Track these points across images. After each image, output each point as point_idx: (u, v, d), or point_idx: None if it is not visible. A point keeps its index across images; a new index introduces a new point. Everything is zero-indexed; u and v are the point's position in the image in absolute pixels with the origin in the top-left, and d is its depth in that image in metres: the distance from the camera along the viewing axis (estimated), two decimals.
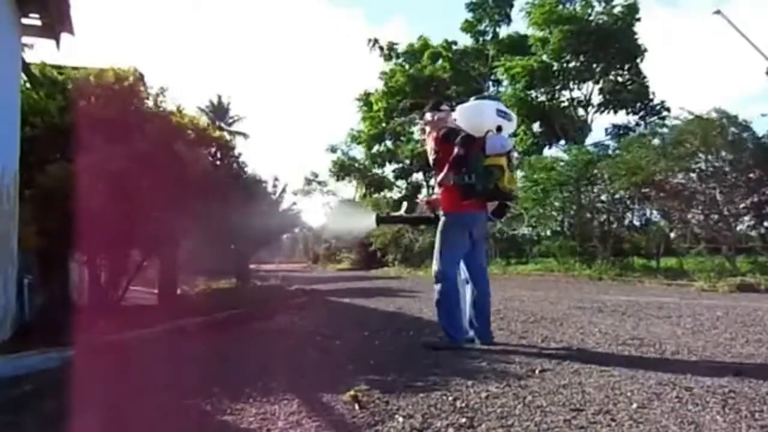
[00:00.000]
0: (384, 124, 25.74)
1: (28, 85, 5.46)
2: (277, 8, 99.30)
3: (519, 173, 19.39)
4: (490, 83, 23.98)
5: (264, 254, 24.46)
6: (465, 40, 24.70)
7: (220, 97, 40.88)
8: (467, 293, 3.82)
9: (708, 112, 11.27)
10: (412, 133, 25.95)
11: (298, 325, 5.22)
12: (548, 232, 17.14)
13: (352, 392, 2.33)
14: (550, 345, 3.70)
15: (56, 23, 4.50)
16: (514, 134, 21.44)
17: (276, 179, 13.46)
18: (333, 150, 28.18)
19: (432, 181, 27.12)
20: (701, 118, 11.27)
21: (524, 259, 18.40)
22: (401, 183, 27.27)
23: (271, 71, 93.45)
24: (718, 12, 11.74)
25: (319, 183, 29.10)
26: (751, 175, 11.14)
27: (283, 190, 14.14)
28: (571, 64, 19.41)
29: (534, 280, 12.57)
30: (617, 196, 13.68)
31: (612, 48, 18.42)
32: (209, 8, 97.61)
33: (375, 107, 25.76)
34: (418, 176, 27.40)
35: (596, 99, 20.18)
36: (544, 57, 19.45)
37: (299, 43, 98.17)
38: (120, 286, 5.62)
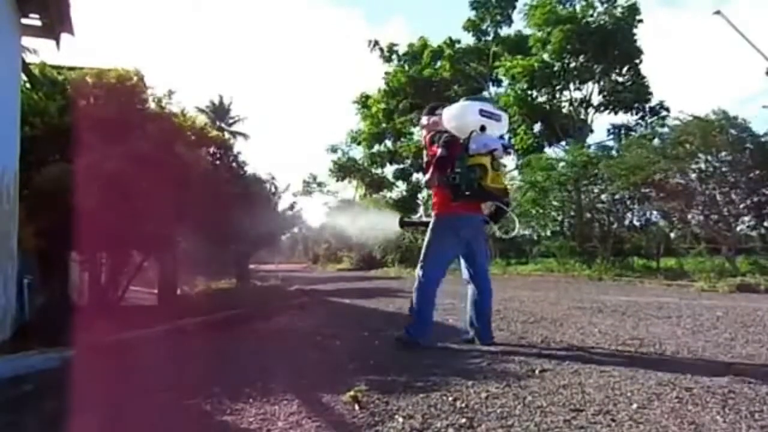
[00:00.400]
0: (384, 125, 25.75)
1: (28, 85, 5.46)
2: (277, 8, 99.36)
3: (517, 173, 19.47)
4: (491, 83, 23.97)
5: (264, 254, 24.47)
6: (467, 40, 24.70)
7: (221, 98, 40.94)
8: (468, 293, 3.84)
9: (707, 114, 11.30)
10: (412, 133, 25.97)
11: (298, 325, 5.21)
12: (548, 233, 17.14)
13: (352, 392, 2.33)
14: (550, 345, 3.70)
15: (56, 23, 4.50)
16: (514, 134, 21.49)
17: (273, 178, 13.47)
18: (333, 150, 28.18)
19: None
20: (701, 119, 11.28)
21: (524, 260, 18.40)
22: (401, 183, 27.27)
23: (271, 71, 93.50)
24: (718, 12, 11.75)
25: (319, 184, 29.11)
26: (750, 175, 11.14)
27: (285, 190, 14.16)
28: (572, 65, 19.40)
29: (534, 281, 12.57)
30: (617, 196, 13.69)
31: (612, 48, 18.42)
32: (209, 8, 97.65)
33: (374, 108, 25.75)
34: (418, 176, 27.39)
35: (596, 99, 20.19)
36: (545, 57, 19.45)
37: (299, 44, 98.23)
38: (120, 286, 5.62)
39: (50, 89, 5.42)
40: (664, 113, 19.29)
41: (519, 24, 22.88)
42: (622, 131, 20.22)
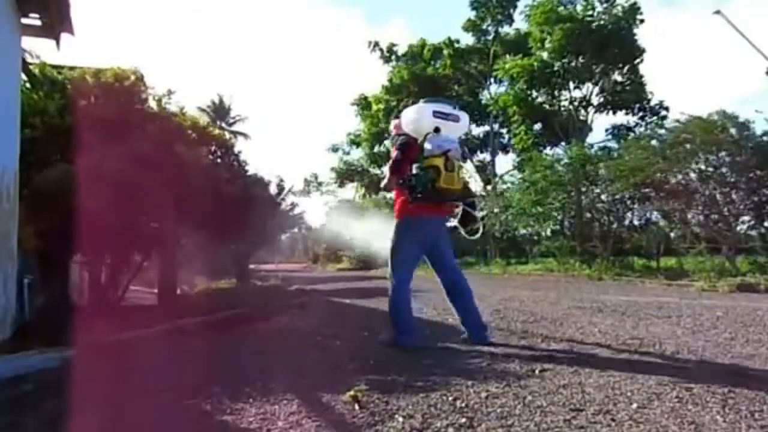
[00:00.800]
0: (383, 124, 25.75)
1: (28, 85, 5.46)
2: (277, 8, 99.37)
3: (517, 172, 19.47)
4: (492, 82, 23.97)
5: (264, 254, 24.48)
6: (467, 40, 24.72)
7: (221, 97, 40.86)
8: (447, 297, 3.88)
9: (709, 114, 11.29)
10: None
11: (298, 325, 5.21)
12: (548, 232, 17.16)
13: (352, 392, 2.33)
14: (550, 345, 3.70)
15: (56, 23, 4.50)
16: (514, 134, 21.49)
17: (281, 180, 13.49)
18: (334, 150, 28.20)
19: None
20: (701, 119, 11.28)
21: (524, 259, 18.41)
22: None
23: (271, 71, 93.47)
24: (718, 12, 11.74)
25: (319, 184, 29.12)
26: (750, 175, 11.14)
27: (286, 190, 14.18)
28: (571, 64, 19.40)
29: (534, 280, 12.57)
30: (617, 196, 13.69)
31: (612, 48, 18.41)
32: (209, 8, 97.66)
33: (375, 107, 25.75)
34: None
35: (596, 99, 20.19)
36: (544, 56, 19.45)
37: (300, 44, 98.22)
38: (120, 286, 5.62)
39: (50, 89, 5.42)
40: (663, 113, 19.32)
41: (520, 24, 22.86)
42: (622, 131, 20.25)
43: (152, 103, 5.73)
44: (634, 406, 2.20)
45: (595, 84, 19.86)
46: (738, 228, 11.71)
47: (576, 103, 20.40)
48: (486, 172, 25.25)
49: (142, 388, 2.72)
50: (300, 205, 32.03)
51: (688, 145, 11.31)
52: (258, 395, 2.44)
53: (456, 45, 23.84)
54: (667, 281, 10.17)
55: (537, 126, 21.23)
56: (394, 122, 4.14)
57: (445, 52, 23.59)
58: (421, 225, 3.68)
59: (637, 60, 19.14)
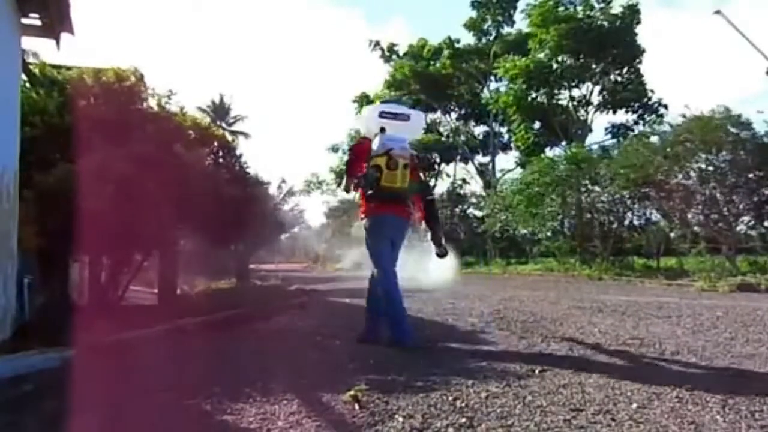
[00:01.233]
0: None
1: (27, 85, 5.46)
2: (277, 8, 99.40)
3: (519, 171, 19.46)
4: (492, 81, 23.97)
5: (264, 254, 24.47)
6: (468, 39, 24.71)
7: (221, 97, 40.82)
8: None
9: (711, 111, 11.28)
10: None
11: (298, 325, 5.21)
12: (548, 232, 17.16)
13: (352, 392, 2.33)
14: (550, 345, 3.70)
15: (56, 23, 4.50)
16: (514, 134, 21.49)
17: (282, 180, 13.50)
18: (334, 150, 28.15)
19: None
20: (701, 117, 11.28)
21: (524, 259, 18.42)
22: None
23: (271, 71, 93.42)
24: (718, 12, 11.75)
25: (320, 183, 29.08)
26: (750, 175, 11.14)
27: (286, 190, 14.18)
28: (570, 64, 19.41)
29: (534, 280, 12.57)
30: (617, 196, 13.69)
31: (611, 48, 18.42)
32: (209, 8, 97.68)
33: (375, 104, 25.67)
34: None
35: (596, 99, 20.21)
36: (542, 56, 19.45)
37: (299, 43, 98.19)
38: (120, 286, 5.62)
39: (49, 88, 5.41)
40: (663, 112, 19.32)
41: (521, 24, 22.88)
42: (622, 130, 20.25)
43: (152, 103, 5.73)
44: (634, 406, 2.20)
45: (595, 84, 19.87)
46: (738, 228, 11.71)
47: (575, 103, 20.41)
48: (486, 172, 25.28)
49: (142, 388, 2.72)
50: (300, 204, 32.10)
51: (688, 144, 11.32)
52: (258, 395, 2.44)
53: (456, 45, 23.84)
54: (667, 281, 10.17)
55: (537, 125, 21.23)
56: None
57: (445, 52, 23.58)
58: (384, 222, 3.79)
59: (637, 60, 19.15)
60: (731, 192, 11.37)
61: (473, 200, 24.60)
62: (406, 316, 3.76)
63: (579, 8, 19.16)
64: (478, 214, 22.05)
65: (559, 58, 19.30)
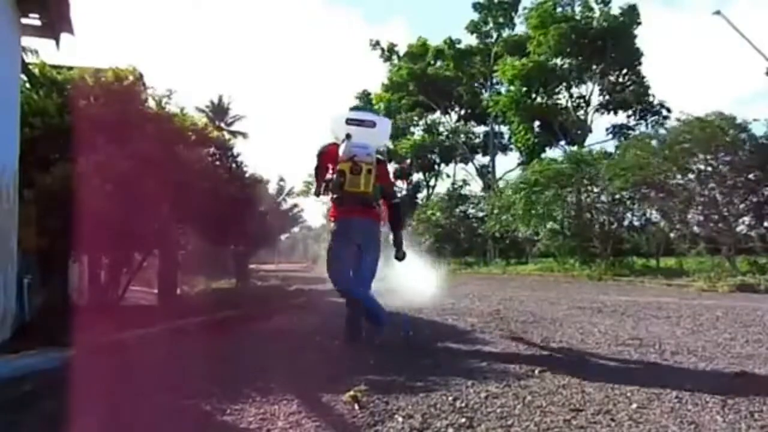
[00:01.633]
0: None
1: (27, 85, 5.45)
2: (277, 8, 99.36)
3: (519, 171, 19.45)
4: (493, 83, 23.98)
5: (264, 254, 24.46)
6: (468, 40, 24.72)
7: (220, 97, 40.81)
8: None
9: (707, 115, 11.31)
10: (413, 132, 25.91)
11: (298, 325, 5.21)
12: (548, 233, 17.16)
13: (352, 392, 2.33)
14: (550, 345, 3.70)
15: (56, 23, 4.50)
16: (514, 134, 21.49)
17: (281, 180, 13.49)
18: None
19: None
20: (701, 119, 11.29)
21: (524, 260, 18.43)
22: (400, 183, 27.23)
23: (271, 70, 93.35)
24: (717, 12, 11.77)
25: None
26: (750, 175, 11.15)
27: (286, 190, 14.18)
28: (569, 65, 19.42)
29: (534, 281, 12.57)
30: (617, 196, 13.69)
31: (610, 49, 18.44)
32: (209, 8, 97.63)
33: (376, 105, 25.75)
34: (419, 176, 27.37)
35: (595, 100, 20.23)
36: (541, 58, 19.46)
37: (299, 43, 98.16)
38: (120, 285, 5.62)
39: (49, 89, 5.41)
40: (664, 113, 19.35)
41: (522, 26, 22.90)
42: (622, 131, 20.27)
43: (152, 104, 5.72)
44: (634, 406, 2.20)
45: (595, 84, 19.88)
46: (738, 228, 11.72)
47: (575, 104, 20.43)
48: (486, 172, 25.28)
49: (142, 389, 2.71)
50: (300, 205, 32.06)
51: (686, 145, 11.33)
52: (258, 395, 2.44)
53: (457, 46, 23.86)
54: (666, 281, 10.17)
55: (536, 126, 21.24)
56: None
57: (448, 53, 23.61)
58: (349, 225, 3.88)
59: (637, 60, 19.17)
60: (731, 192, 11.38)
61: (473, 200, 24.64)
62: (372, 307, 3.84)
63: (577, 9, 19.19)
64: (478, 214, 22.07)
65: (558, 59, 19.32)
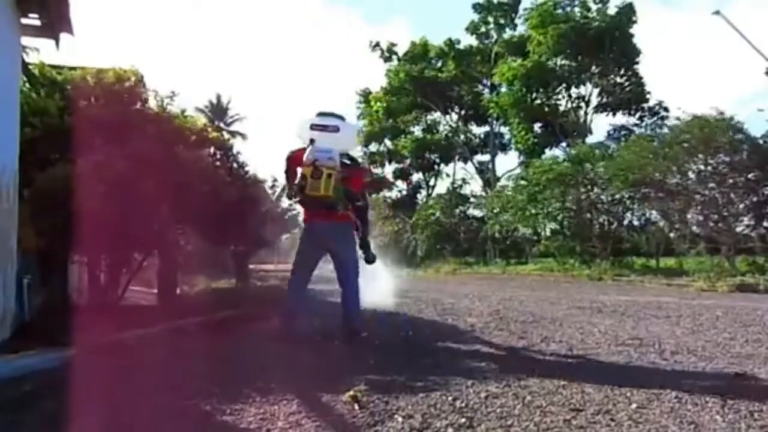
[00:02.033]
0: (382, 124, 25.72)
1: (27, 85, 5.45)
2: (277, 8, 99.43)
3: (520, 171, 19.45)
4: (493, 84, 23.98)
5: (263, 254, 24.43)
6: (468, 41, 24.72)
7: (219, 97, 40.83)
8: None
9: (707, 114, 11.32)
10: (412, 132, 25.90)
11: (297, 325, 5.20)
12: (548, 232, 17.17)
13: (351, 392, 2.33)
14: (550, 345, 3.70)
15: (56, 23, 4.50)
16: (513, 134, 21.48)
17: (275, 179, 13.46)
18: None
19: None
20: (700, 119, 11.30)
21: (524, 260, 18.42)
22: (400, 183, 27.25)
23: (270, 70, 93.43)
24: (717, 12, 11.78)
25: None
26: (749, 175, 11.16)
27: (283, 190, 14.15)
28: (568, 65, 19.44)
29: (533, 281, 12.57)
30: (617, 196, 13.69)
31: (609, 49, 18.46)
32: (209, 8, 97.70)
33: (375, 106, 25.76)
34: (418, 176, 27.36)
35: (595, 100, 20.25)
36: (540, 58, 19.46)
37: (299, 43, 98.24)
38: (119, 285, 5.62)
39: (50, 89, 5.41)
40: (662, 113, 19.36)
41: (522, 27, 22.91)
42: (621, 132, 20.28)
43: (153, 104, 5.72)
44: (634, 406, 2.20)
45: (594, 85, 19.89)
46: (737, 228, 11.73)
47: (574, 104, 20.44)
48: (486, 172, 25.28)
49: (142, 389, 2.71)
50: (297, 206, 31.97)
51: (686, 145, 11.34)
52: (258, 395, 2.44)
53: (457, 46, 23.85)
54: (666, 281, 10.17)
55: (536, 126, 21.25)
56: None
57: (448, 53, 23.61)
58: (312, 229, 4.07)
59: (636, 61, 19.18)
60: (730, 192, 11.39)
61: (473, 200, 24.64)
62: (294, 315, 4.11)
63: (576, 10, 19.20)
64: (478, 214, 22.08)
65: (558, 60, 19.34)
